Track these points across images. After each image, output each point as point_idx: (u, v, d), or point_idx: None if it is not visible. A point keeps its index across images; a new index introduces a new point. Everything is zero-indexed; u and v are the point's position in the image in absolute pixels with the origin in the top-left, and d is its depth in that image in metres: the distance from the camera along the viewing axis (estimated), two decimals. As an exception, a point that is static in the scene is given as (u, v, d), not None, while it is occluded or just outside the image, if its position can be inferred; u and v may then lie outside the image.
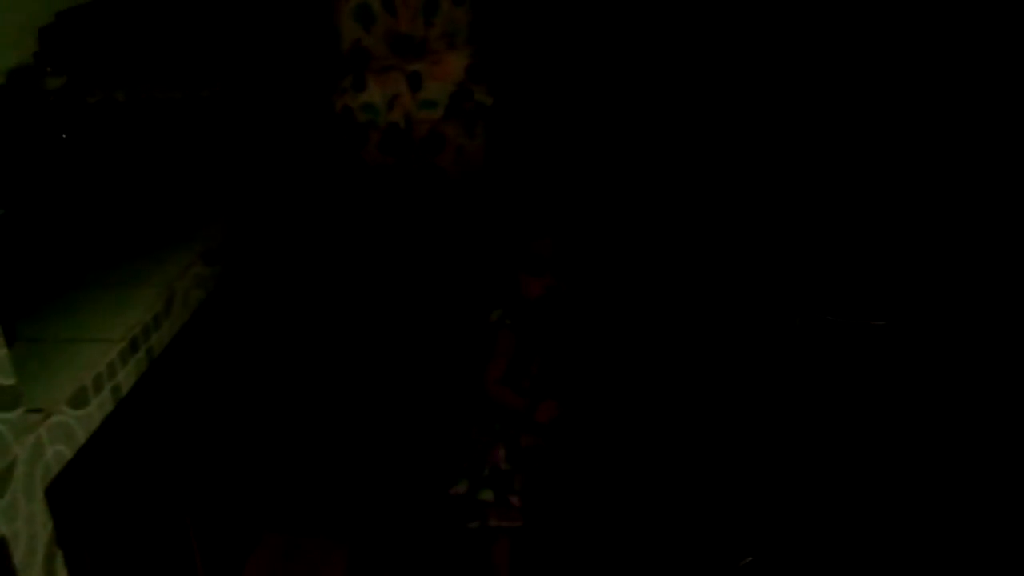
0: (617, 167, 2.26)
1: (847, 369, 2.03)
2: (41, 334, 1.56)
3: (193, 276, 1.82)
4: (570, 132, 2.28)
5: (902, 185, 2.05)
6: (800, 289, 2.10)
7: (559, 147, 2.29)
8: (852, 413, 2.04)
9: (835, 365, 2.04)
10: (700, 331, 2.21)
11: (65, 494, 1.40)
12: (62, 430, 1.39)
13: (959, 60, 1.96)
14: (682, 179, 2.22)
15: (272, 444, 2.27)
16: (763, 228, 2.17)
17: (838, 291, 2.07)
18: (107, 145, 2.01)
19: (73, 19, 2.29)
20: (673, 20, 2.14)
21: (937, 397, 1.99)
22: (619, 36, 2.18)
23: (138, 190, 2.00)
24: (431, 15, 2.17)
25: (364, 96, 2.19)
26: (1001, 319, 1.98)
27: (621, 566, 2.09)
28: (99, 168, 1.96)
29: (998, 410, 1.96)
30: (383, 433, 2.38)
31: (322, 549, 2.21)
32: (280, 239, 2.26)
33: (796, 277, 2.12)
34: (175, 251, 1.86)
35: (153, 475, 1.70)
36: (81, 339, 1.56)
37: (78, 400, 1.43)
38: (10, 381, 1.28)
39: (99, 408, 1.49)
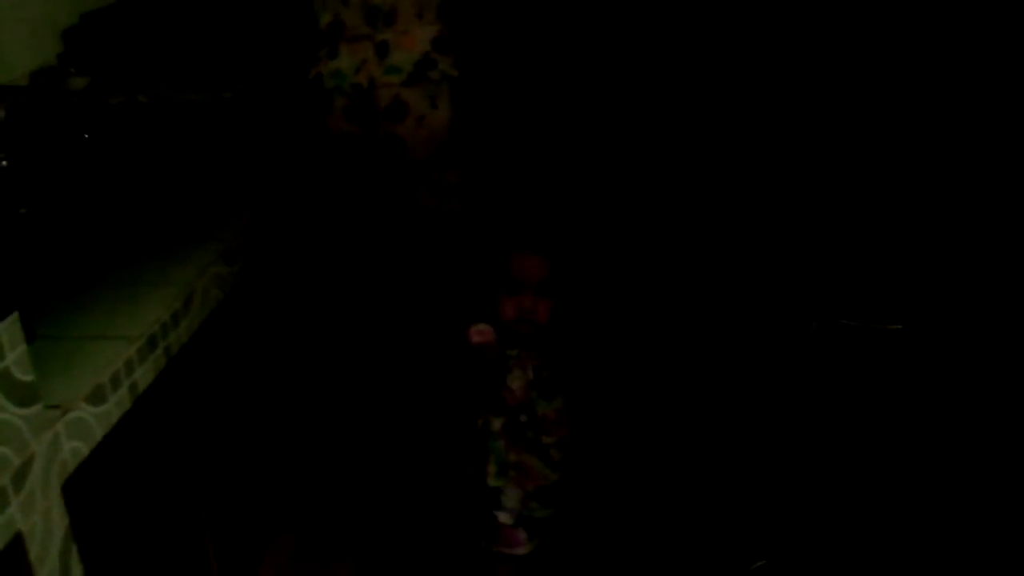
0: (611, 165, 2.24)
1: (863, 373, 2.02)
2: (60, 332, 1.58)
3: (212, 275, 1.84)
4: (556, 119, 2.25)
5: (920, 187, 2.04)
6: (815, 293, 2.08)
7: (543, 137, 2.27)
8: (868, 417, 2.03)
9: (851, 369, 2.03)
10: (713, 336, 2.20)
11: (81, 490, 1.41)
12: (80, 426, 1.41)
13: (983, 64, 1.95)
14: (686, 179, 2.20)
15: (286, 444, 2.28)
16: (776, 231, 2.15)
17: (854, 295, 2.06)
18: (128, 146, 2.02)
19: (97, 21, 2.31)
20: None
21: (954, 401, 1.98)
22: (608, 18, 2.16)
23: (158, 190, 2.02)
24: None
25: (334, 63, 2.24)
26: (1020, 323, 1.96)
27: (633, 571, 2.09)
28: (120, 168, 1.98)
29: (1016, 414, 1.95)
30: (394, 436, 2.39)
31: (332, 550, 2.22)
32: (297, 239, 2.28)
33: (810, 281, 2.10)
34: (194, 251, 1.87)
35: (169, 472, 1.71)
36: (99, 336, 1.57)
37: (96, 397, 1.44)
38: (29, 377, 1.29)
39: (117, 405, 1.50)
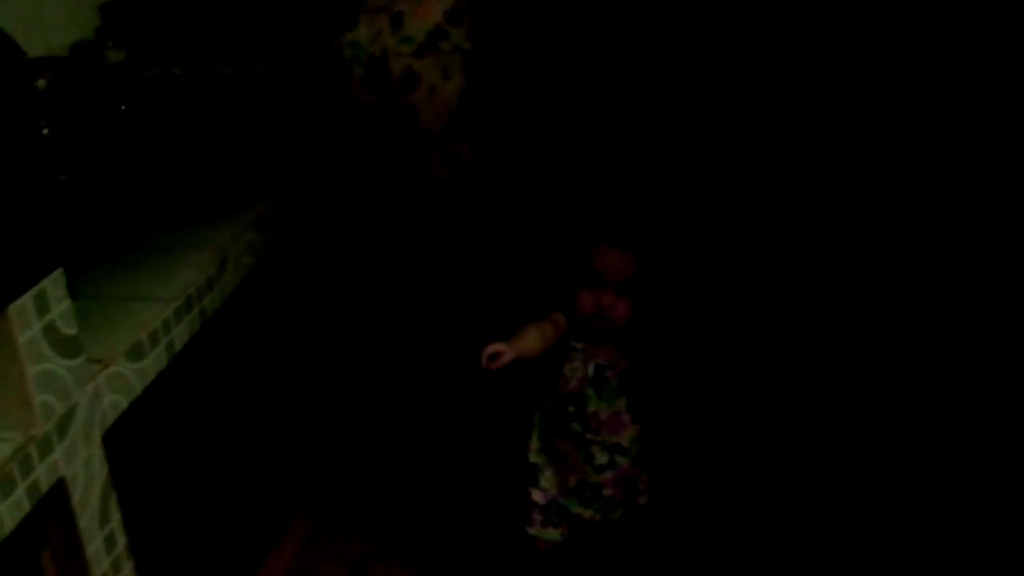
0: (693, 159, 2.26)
1: (925, 350, 2.05)
2: (100, 292, 1.64)
3: (245, 243, 1.89)
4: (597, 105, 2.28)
5: (986, 168, 2.03)
6: (878, 271, 2.10)
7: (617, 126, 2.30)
8: (931, 393, 2.05)
9: (914, 346, 2.05)
10: (786, 318, 2.20)
11: (120, 441, 1.48)
12: (119, 381, 1.47)
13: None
14: (744, 165, 2.21)
15: (310, 414, 2.33)
16: (843, 210, 2.16)
17: (917, 272, 2.08)
18: (163, 117, 2.08)
19: (134, -3, 2.37)
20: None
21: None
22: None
23: (193, 160, 2.08)
24: None
25: (353, 34, 2.30)
26: None
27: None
28: (156, 139, 2.03)
29: None
30: (423, 410, 2.44)
31: (350, 525, 2.26)
32: (328, 210, 2.32)
33: (874, 259, 2.12)
34: (228, 219, 1.93)
35: (203, 430, 1.77)
36: (137, 298, 1.63)
37: (135, 353, 1.50)
38: (73, 331, 1.35)
39: (154, 362, 1.56)
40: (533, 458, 1.92)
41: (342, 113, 2.37)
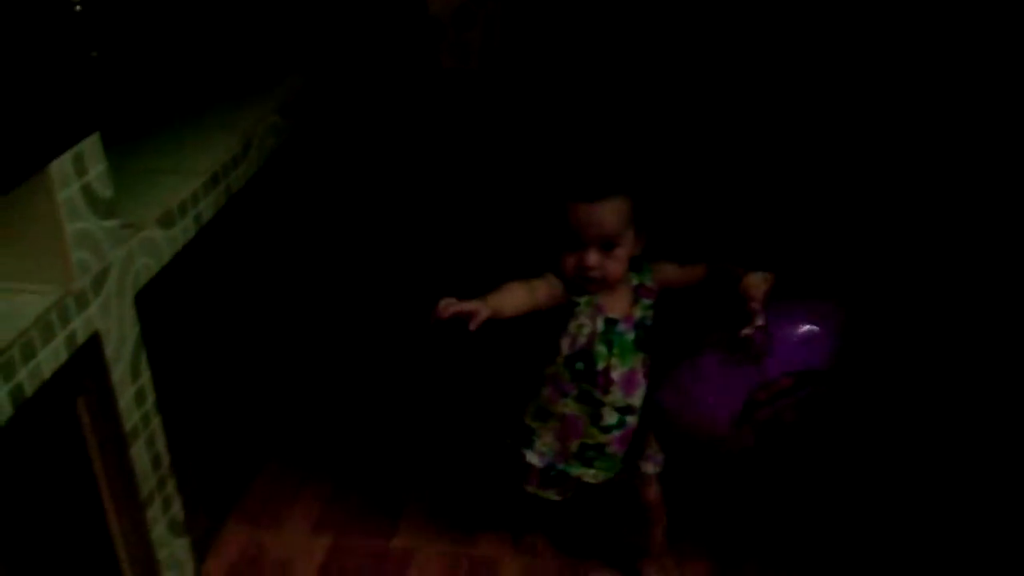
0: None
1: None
2: (132, 165, 1.70)
3: (269, 125, 1.95)
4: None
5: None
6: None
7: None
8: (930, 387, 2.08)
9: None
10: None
11: (151, 302, 1.56)
12: (150, 246, 1.54)
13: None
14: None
15: (324, 301, 2.40)
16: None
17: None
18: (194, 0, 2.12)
19: None
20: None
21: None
22: None
23: (222, 42, 2.12)
24: None
25: None
26: None
27: None
28: (186, 22, 2.08)
29: None
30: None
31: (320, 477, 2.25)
32: (348, 98, 2.35)
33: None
34: (254, 102, 1.98)
35: (226, 297, 1.85)
36: (167, 171, 1.70)
37: (165, 221, 1.57)
38: (108, 193, 1.42)
39: (183, 231, 1.63)
40: (529, 421, 1.79)
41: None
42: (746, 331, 1.56)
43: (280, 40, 2.20)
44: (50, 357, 1.31)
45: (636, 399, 1.72)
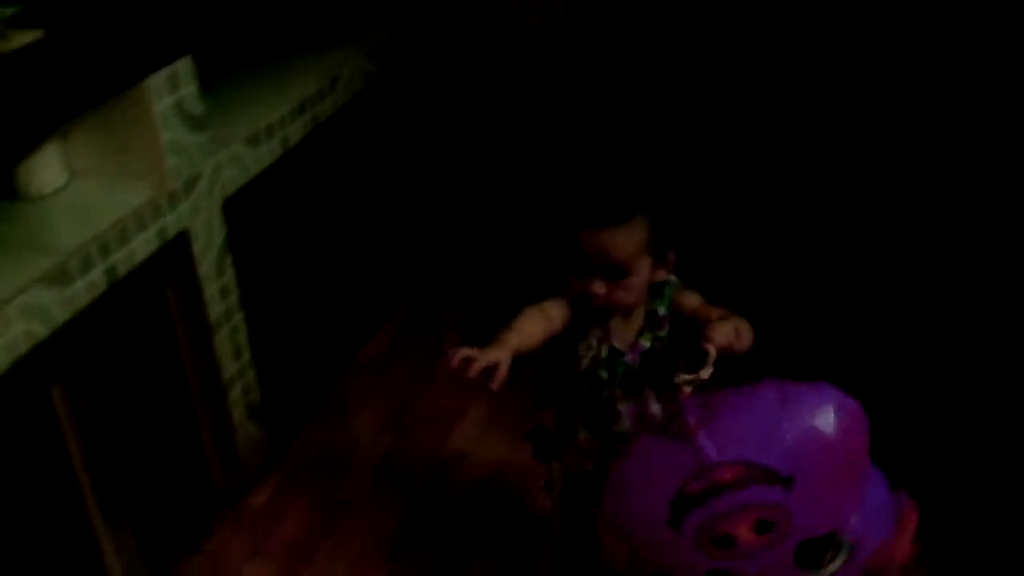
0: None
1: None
2: (226, 94, 1.90)
3: (357, 66, 2.13)
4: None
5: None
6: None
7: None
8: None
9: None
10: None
11: (238, 210, 1.77)
12: (238, 161, 1.75)
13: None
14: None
15: (410, 219, 2.56)
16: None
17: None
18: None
19: None
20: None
21: None
22: None
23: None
24: None
25: None
26: None
27: None
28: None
29: None
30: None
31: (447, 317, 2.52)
32: (433, 48, 2.50)
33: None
34: (344, 46, 2.17)
35: (308, 215, 2.04)
36: (258, 100, 1.91)
37: (253, 140, 1.78)
38: (198, 110, 1.63)
39: (269, 152, 1.83)
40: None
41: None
42: (685, 377, 1.28)
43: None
44: (142, 245, 1.53)
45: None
